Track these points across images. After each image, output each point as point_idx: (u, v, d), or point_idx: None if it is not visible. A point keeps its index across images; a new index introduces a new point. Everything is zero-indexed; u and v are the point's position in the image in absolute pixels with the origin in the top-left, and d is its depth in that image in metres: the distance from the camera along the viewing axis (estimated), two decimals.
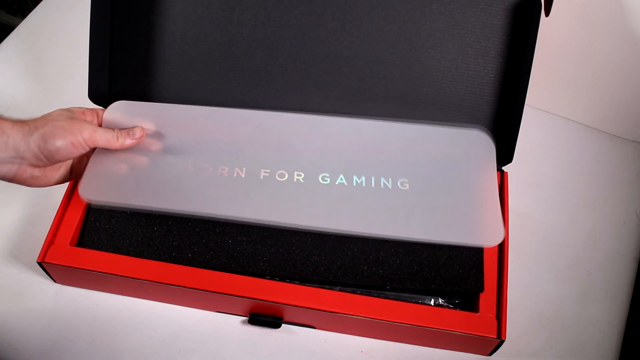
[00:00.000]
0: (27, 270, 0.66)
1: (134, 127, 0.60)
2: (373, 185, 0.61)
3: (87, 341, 0.63)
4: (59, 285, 0.66)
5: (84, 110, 0.58)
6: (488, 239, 0.59)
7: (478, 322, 0.59)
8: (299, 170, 0.61)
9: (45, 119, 0.54)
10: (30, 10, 0.95)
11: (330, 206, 0.59)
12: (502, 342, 0.59)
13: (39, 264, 0.61)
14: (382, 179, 0.61)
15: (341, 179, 0.61)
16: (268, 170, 0.60)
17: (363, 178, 0.61)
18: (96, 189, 0.59)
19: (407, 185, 0.60)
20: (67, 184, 0.64)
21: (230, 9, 0.67)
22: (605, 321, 0.68)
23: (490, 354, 0.63)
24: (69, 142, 0.53)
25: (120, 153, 0.60)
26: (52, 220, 0.62)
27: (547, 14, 0.65)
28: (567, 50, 0.77)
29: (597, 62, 0.76)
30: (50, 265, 0.61)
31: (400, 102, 0.67)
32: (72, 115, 0.56)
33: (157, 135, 0.61)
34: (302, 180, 0.60)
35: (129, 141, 0.59)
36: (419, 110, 0.67)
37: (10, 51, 0.86)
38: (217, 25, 0.67)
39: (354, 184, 0.60)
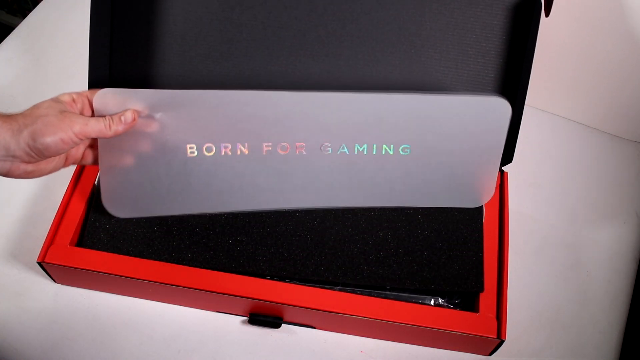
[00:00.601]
0: (27, 270, 0.66)
1: (125, 110, 0.57)
2: (374, 152, 0.61)
3: (87, 341, 0.63)
4: (59, 285, 0.66)
5: (73, 98, 0.56)
6: (474, 200, 0.63)
7: (478, 322, 0.59)
8: (300, 141, 0.61)
9: (34, 114, 0.52)
10: (30, 10, 0.95)
11: (333, 181, 0.62)
12: (502, 342, 0.59)
13: (39, 264, 0.61)
14: (384, 146, 0.61)
15: (343, 148, 0.61)
16: (270, 144, 0.60)
17: (365, 146, 0.61)
18: (120, 204, 0.61)
19: (409, 151, 0.61)
20: (66, 185, 0.64)
21: (230, 9, 0.67)
22: (605, 321, 0.68)
23: (490, 354, 0.63)
24: (59, 138, 0.52)
25: (124, 146, 0.59)
26: (52, 220, 0.62)
27: (547, 14, 0.65)
28: (567, 50, 0.77)
29: (597, 62, 0.76)
30: (50, 265, 0.61)
31: None
32: (62, 107, 0.54)
33: (153, 118, 0.59)
34: (304, 152, 0.61)
35: (121, 127, 0.56)
36: None
37: (10, 51, 0.86)
38: (217, 25, 0.67)
39: (356, 152, 0.61)
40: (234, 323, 0.65)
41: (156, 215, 0.62)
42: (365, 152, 0.61)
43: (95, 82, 0.67)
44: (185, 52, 0.68)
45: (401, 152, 0.61)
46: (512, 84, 0.65)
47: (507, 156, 0.66)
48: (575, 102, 0.82)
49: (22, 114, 0.52)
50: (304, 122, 0.60)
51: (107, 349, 0.62)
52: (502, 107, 0.60)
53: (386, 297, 0.61)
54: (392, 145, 0.61)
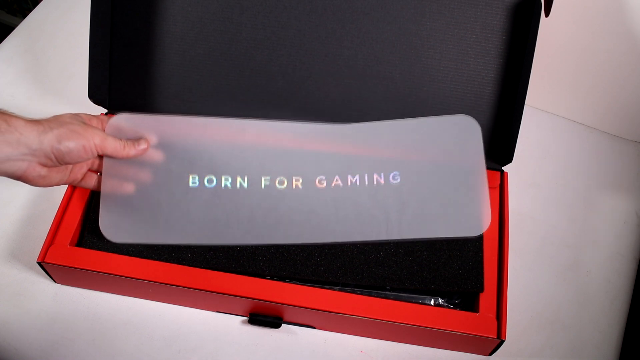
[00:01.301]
0: (27, 270, 0.66)
1: (140, 138, 0.60)
2: (367, 183, 0.62)
3: (87, 341, 0.63)
4: (59, 285, 0.66)
5: (90, 117, 0.59)
6: (474, 229, 0.61)
7: (478, 322, 0.59)
8: (297, 175, 0.62)
9: (59, 120, 0.54)
10: (30, 10, 0.95)
11: (329, 216, 0.61)
12: (502, 342, 0.59)
13: (39, 264, 0.61)
14: (375, 175, 0.62)
15: (337, 180, 0.62)
16: (268, 178, 0.62)
17: (357, 176, 0.62)
18: (118, 229, 0.61)
19: (399, 179, 0.62)
20: (66, 185, 0.64)
21: (230, 9, 0.67)
22: (605, 321, 0.68)
23: (490, 354, 0.63)
24: (82, 145, 0.54)
25: (128, 171, 0.61)
26: (52, 220, 0.62)
27: (547, 15, 0.65)
28: (567, 51, 0.77)
29: (597, 62, 0.76)
30: (50, 265, 0.61)
31: (400, 102, 0.67)
32: (82, 120, 0.57)
33: (160, 146, 0.62)
34: (300, 187, 0.62)
35: (133, 151, 0.59)
36: (419, 110, 0.67)
37: (10, 51, 0.86)
38: (217, 25, 0.68)
39: (349, 183, 0.62)
40: (234, 323, 0.65)
41: (152, 243, 0.62)
42: (357, 183, 0.62)
43: (95, 82, 0.68)
44: (185, 52, 0.68)
45: (392, 180, 0.62)
46: (512, 84, 0.65)
47: (507, 156, 0.66)
48: (575, 102, 0.82)
49: (47, 119, 0.54)
50: (301, 154, 0.63)
51: (107, 349, 0.62)
52: (470, 125, 0.62)
53: (386, 297, 0.61)
54: (382, 174, 0.62)
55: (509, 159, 0.66)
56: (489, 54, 0.66)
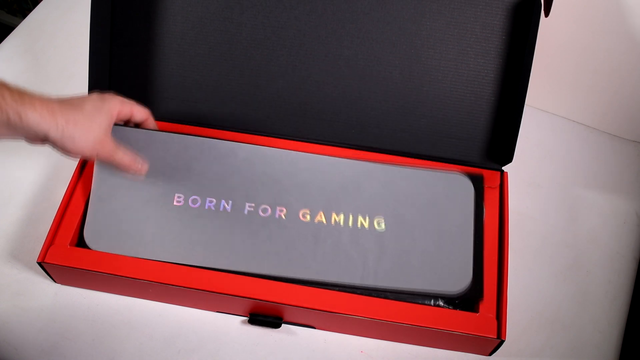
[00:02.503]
0: (27, 270, 0.66)
1: (145, 162, 0.62)
2: (350, 224, 0.62)
3: (87, 341, 0.63)
4: (59, 285, 0.66)
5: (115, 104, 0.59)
6: (453, 286, 0.60)
7: (478, 322, 0.59)
8: (281, 205, 0.63)
9: (81, 110, 0.55)
10: (30, 10, 0.95)
11: (308, 251, 0.61)
12: (502, 342, 0.59)
13: (39, 264, 0.61)
14: (360, 218, 0.63)
15: (321, 217, 0.63)
16: (252, 205, 0.63)
17: (342, 216, 0.63)
18: (102, 238, 0.62)
19: (383, 225, 0.62)
20: (66, 185, 0.64)
21: (230, 9, 0.67)
22: (605, 321, 0.68)
23: (490, 354, 0.63)
24: (93, 148, 0.56)
25: (121, 183, 0.63)
26: (52, 220, 0.62)
27: (546, 15, 0.65)
28: (567, 50, 0.77)
29: (597, 62, 0.76)
30: (50, 265, 0.61)
31: (400, 102, 0.67)
32: (109, 121, 0.58)
33: (151, 162, 0.63)
34: (283, 217, 0.62)
35: (142, 168, 0.62)
36: (418, 110, 0.67)
37: (10, 51, 0.86)
38: (217, 25, 0.68)
39: (332, 222, 0.62)
40: (234, 323, 0.65)
41: (131, 256, 0.61)
42: (341, 223, 0.62)
43: (95, 82, 0.68)
44: (185, 52, 0.68)
45: (376, 226, 0.62)
46: (512, 84, 0.65)
47: (507, 156, 0.66)
48: (575, 102, 0.82)
49: (68, 103, 0.55)
50: (289, 182, 0.63)
51: (107, 349, 0.62)
52: (465, 185, 0.64)
53: (386, 297, 0.61)
54: (367, 217, 0.62)
55: (509, 159, 0.66)
56: (489, 54, 0.66)
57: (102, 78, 0.68)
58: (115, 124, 0.61)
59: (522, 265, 0.70)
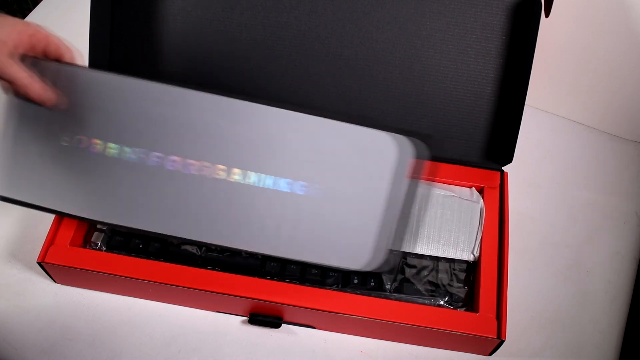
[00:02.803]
0: (27, 270, 0.66)
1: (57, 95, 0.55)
2: (267, 184, 0.56)
3: (87, 341, 0.63)
4: (59, 285, 0.66)
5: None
6: (355, 262, 0.56)
7: (478, 322, 0.59)
8: (192, 158, 0.56)
9: None
10: (30, 10, 0.95)
11: (217, 213, 0.56)
12: (502, 342, 0.59)
13: (39, 264, 0.61)
14: (279, 179, 0.56)
15: (237, 174, 0.56)
16: (160, 155, 0.56)
17: (261, 175, 0.56)
18: (4, 183, 0.57)
19: (302, 190, 0.56)
20: None
21: (230, 9, 0.67)
22: (605, 321, 0.68)
23: (490, 354, 0.63)
24: None
25: (22, 132, 0.56)
26: (52, 220, 0.62)
27: (547, 15, 0.65)
28: (567, 50, 0.77)
29: (597, 62, 0.76)
30: (50, 265, 0.61)
31: (400, 102, 0.67)
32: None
33: (61, 97, 0.56)
34: (195, 173, 0.56)
35: (43, 97, 0.54)
36: (419, 110, 0.67)
37: None
38: (217, 25, 0.68)
39: (250, 182, 0.56)
40: (234, 323, 0.65)
41: (28, 202, 0.56)
42: (259, 184, 0.56)
43: None
44: (185, 52, 0.68)
45: (298, 190, 0.56)
46: (512, 84, 0.65)
47: (507, 156, 0.66)
48: (575, 102, 0.82)
49: None
50: (204, 132, 0.55)
51: (107, 349, 0.62)
52: (396, 148, 0.54)
53: (386, 297, 0.61)
54: (287, 179, 0.56)
55: (509, 159, 0.66)
56: (489, 54, 0.66)
57: None
58: (34, 57, 0.54)
59: (522, 265, 0.70)
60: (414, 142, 0.55)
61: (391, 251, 0.55)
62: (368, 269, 0.55)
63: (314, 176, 0.56)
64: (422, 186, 0.55)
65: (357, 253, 0.56)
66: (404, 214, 0.55)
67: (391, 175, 0.55)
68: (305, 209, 0.56)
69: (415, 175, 0.55)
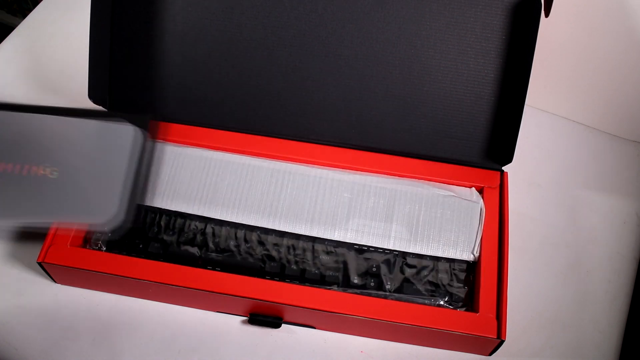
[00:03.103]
0: (27, 270, 0.66)
1: None
2: (26, 174, 0.59)
3: (87, 341, 0.63)
4: (59, 285, 0.66)
5: None
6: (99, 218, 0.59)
7: (478, 322, 0.59)
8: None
9: None
10: (30, 10, 0.95)
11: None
12: (502, 342, 0.59)
13: (39, 264, 0.61)
14: (36, 166, 0.59)
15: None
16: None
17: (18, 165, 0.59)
18: None
19: (56, 174, 0.59)
20: None
21: (230, 9, 0.67)
22: (605, 321, 0.68)
23: (490, 354, 0.63)
24: None
25: None
26: None
27: (547, 15, 0.65)
28: (567, 50, 0.77)
29: (597, 61, 0.76)
30: (50, 265, 0.61)
31: (400, 102, 0.67)
32: None
33: None
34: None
35: None
36: (418, 110, 0.67)
37: (10, 51, 0.86)
38: (217, 25, 0.68)
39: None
40: (234, 323, 0.65)
41: None
42: (17, 172, 0.58)
43: (95, 82, 0.68)
44: (185, 52, 0.68)
45: (49, 174, 0.59)
46: (512, 84, 0.65)
47: (507, 156, 0.66)
48: (575, 102, 0.82)
49: None
50: None
51: (107, 349, 0.62)
52: (127, 134, 0.60)
53: (386, 297, 0.61)
54: (41, 166, 0.59)
55: (509, 159, 0.66)
56: (489, 54, 0.66)
57: (102, 78, 0.68)
58: None
59: (522, 265, 0.70)
60: (134, 119, 0.61)
61: (133, 206, 0.58)
62: (114, 224, 0.58)
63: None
64: (155, 147, 0.61)
65: (102, 211, 0.58)
66: (138, 177, 0.59)
67: (118, 152, 0.60)
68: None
69: (145, 143, 0.60)
